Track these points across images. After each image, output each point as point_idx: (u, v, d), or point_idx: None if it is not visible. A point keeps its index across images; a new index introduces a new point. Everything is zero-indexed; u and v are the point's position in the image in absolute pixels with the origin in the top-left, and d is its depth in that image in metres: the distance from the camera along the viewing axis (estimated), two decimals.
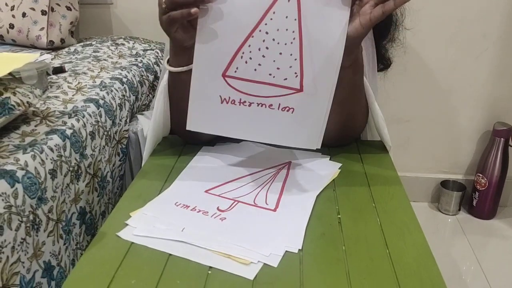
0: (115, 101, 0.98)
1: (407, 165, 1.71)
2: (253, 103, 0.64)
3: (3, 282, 0.59)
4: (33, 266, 0.65)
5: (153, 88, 1.20)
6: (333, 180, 0.71)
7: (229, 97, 0.64)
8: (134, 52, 1.29)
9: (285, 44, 0.61)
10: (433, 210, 1.71)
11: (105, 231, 0.60)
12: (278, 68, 0.62)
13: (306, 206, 0.64)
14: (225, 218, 0.62)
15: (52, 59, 1.22)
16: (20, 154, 0.67)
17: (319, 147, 0.67)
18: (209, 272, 0.53)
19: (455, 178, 1.70)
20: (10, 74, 0.76)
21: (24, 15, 1.31)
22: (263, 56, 0.61)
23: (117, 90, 1.01)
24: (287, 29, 0.60)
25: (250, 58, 0.62)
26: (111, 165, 0.94)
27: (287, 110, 0.65)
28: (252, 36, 0.60)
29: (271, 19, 0.59)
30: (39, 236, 0.67)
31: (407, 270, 0.53)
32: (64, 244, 0.74)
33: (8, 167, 0.64)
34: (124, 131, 1.00)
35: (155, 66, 1.25)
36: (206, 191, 0.68)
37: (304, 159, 0.77)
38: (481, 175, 1.60)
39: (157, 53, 1.31)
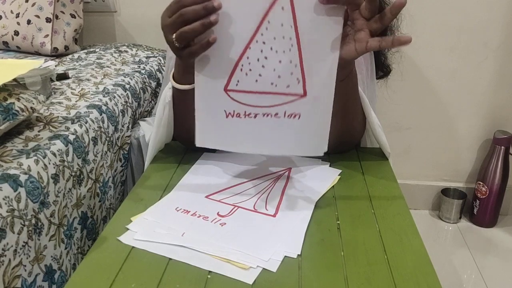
0: (117, 107, 0.99)
1: (408, 173, 1.71)
2: (258, 114, 0.64)
3: (5, 285, 0.59)
4: (34, 269, 0.66)
5: (155, 94, 1.21)
6: (333, 186, 0.72)
7: (234, 111, 0.64)
8: (137, 59, 1.30)
9: (284, 52, 0.60)
10: (434, 218, 1.71)
11: (106, 235, 0.60)
12: (279, 77, 0.62)
13: (305, 212, 0.65)
14: (225, 223, 0.62)
15: (56, 66, 1.23)
16: (24, 158, 0.68)
17: (326, 150, 0.66)
18: (209, 276, 0.53)
19: (455, 186, 1.70)
20: (14, 80, 0.77)
21: (29, 22, 1.32)
22: (263, 66, 0.61)
23: (119, 97, 1.02)
24: (283, 37, 0.60)
25: (250, 70, 0.61)
26: (113, 171, 0.94)
27: (293, 117, 0.64)
28: (250, 48, 0.60)
29: (267, 28, 0.59)
30: (41, 240, 0.68)
31: (405, 275, 0.53)
32: (66, 248, 0.75)
33: (12, 171, 0.65)
34: (126, 137, 1.01)
35: (157, 73, 1.26)
36: (206, 197, 0.69)
37: (304, 165, 0.78)
38: (481, 183, 1.60)
39: (160, 60, 1.33)
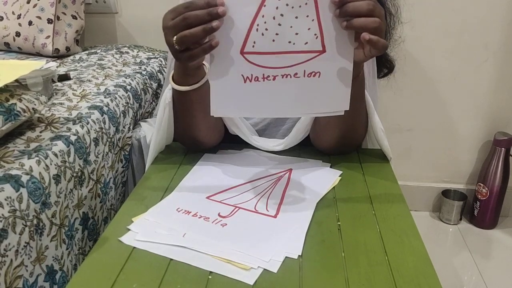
0: (119, 108, 0.99)
1: (409, 174, 1.71)
2: (277, 76, 0.62)
3: (7, 285, 0.59)
4: (36, 270, 0.66)
5: (156, 95, 1.22)
6: (334, 187, 0.72)
7: (252, 75, 0.61)
8: (138, 60, 1.31)
9: (300, 6, 0.58)
10: (434, 219, 1.71)
11: (107, 236, 0.61)
12: (296, 34, 0.59)
13: (306, 212, 0.65)
14: (226, 224, 0.62)
15: (57, 67, 1.24)
16: (25, 159, 0.68)
17: (347, 108, 0.64)
18: (210, 277, 0.53)
19: (456, 187, 1.70)
20: (16, 81, 0.78)
21: (30, 23, 1.33)
22: (279, 24, 0.58)
23: (121, 98, 1.02)
24: None
25: (266, 29, 0.59)
26: (114, 172, 0.95)
27: (313, 76, 0.62)
28: (264, 6, 0.58)
29: None
30: (43, 241, 0.68)
31: (406, 277, 0.53)
32: (67, 248, 0.75)
33: (13, 172, 0.65)
34: (127, 138, 1.01)
35: (158, 74, 1.26)
36: (207, 198, 0.69)
37: (305, 166, 0.78)
38: (482, 184, 1.60)
39: (161, 61, 1.33)
